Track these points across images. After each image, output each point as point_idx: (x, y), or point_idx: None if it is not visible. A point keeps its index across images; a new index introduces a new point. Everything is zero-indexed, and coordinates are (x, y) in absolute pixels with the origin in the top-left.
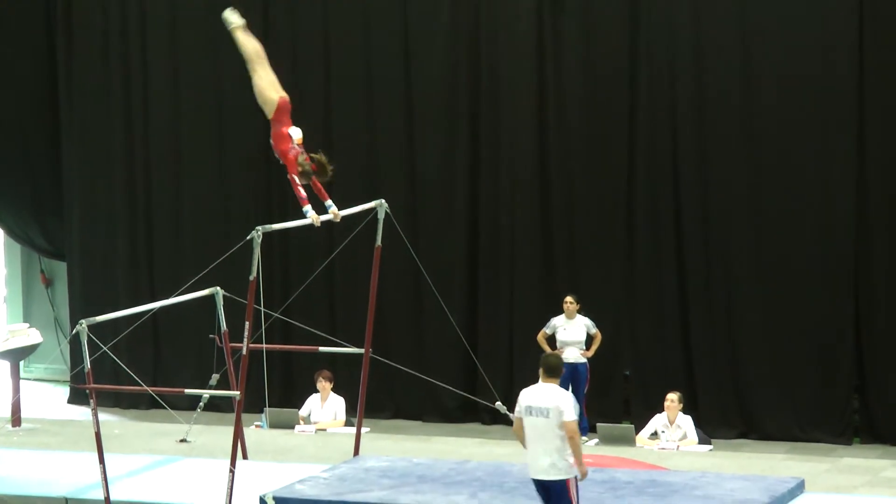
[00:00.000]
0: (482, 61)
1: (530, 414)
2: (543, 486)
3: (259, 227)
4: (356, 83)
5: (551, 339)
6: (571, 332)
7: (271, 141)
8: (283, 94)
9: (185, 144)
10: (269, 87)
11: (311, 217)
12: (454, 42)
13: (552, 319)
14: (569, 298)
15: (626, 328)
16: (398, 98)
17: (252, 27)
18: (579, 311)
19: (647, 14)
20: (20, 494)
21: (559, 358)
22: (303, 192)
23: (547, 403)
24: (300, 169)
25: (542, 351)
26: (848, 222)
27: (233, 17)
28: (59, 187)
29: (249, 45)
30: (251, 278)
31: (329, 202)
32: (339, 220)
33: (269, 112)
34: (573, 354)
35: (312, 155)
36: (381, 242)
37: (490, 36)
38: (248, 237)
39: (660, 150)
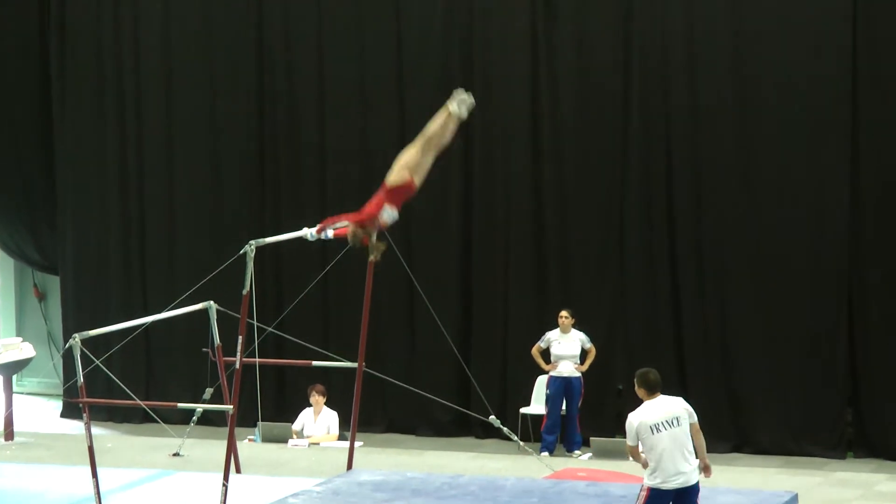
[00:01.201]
0: (475, 67)
1: (658, 430)
2: (685, 493)
3: (252, 241)
4: (349, 88)
5: (545, 353)
6: (566, 347)
7: (373, 200)
8: (417, 182)
9: (179, 158)
10: (417, 167)
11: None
12: (447, 47)
13: (547, 333)
14: (564, 313)
15: (619, 342)
16: (392, 109)
17: (246, 29)
18: (574, 326)
19: (641, 18)
20: None
21: (656, 373)
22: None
23: (674, 412)
24: (352, 238)
25: (536, 365)
26: (842, 235)
27: (463, 109)
28: (52, 201)
29: (441, 131)
30: (244, 292)
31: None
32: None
33: (394, 182)
34: (567, 368)
35: (376, 243)
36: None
37: (483, 41)
38: (241, 251)
39: (653, 158)
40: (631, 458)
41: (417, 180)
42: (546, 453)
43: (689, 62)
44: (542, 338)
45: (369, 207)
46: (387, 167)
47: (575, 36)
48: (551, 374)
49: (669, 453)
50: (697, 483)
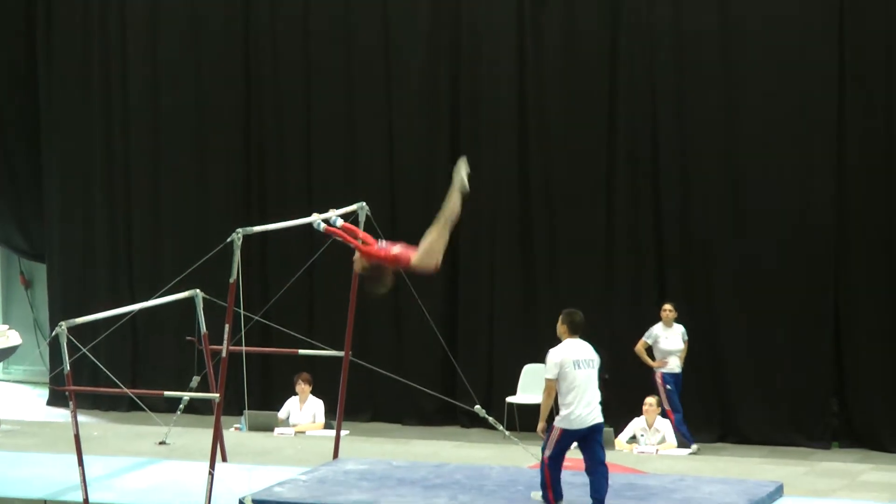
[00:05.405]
0: (462, 63)
1: (579, 367)
2: (593, 430)
3: (239, 230)
4: (336, 84)
5: (649, 349)
6: (672, 341)
7: (391, 251)
8: (439, 264)
9: (165, 147)
10: (438, 252)
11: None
12: (435, 43)
13: (652, 328)
14: (667, 306)
15: (604, 332)
16: (378, 100)
17: (234, 29)
18: (676, 320)
19: (628, 13)
20: None
21: (583, 316)
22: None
23: (591, 355)
24: (360, 267)
25: (520, 354)
26: (829, 227)
27: (467, 184)
28: (38, 189)
29: (457, 207)
30: (231, 281)
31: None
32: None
33: (419, 265)
34: (675, 363)
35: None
36: None
37: (471, 36)
38: (228, 240)
39: (640, 153)
40: (542, 399)
41: (439, 261)
42: (696, 446)
43: (675, 59)
44: (648, 333)
45: (384, 253)
46: (372, 158)
47: (563, 29)
48: (662, 371)
49: (583, 391)
50: (602, 422)
